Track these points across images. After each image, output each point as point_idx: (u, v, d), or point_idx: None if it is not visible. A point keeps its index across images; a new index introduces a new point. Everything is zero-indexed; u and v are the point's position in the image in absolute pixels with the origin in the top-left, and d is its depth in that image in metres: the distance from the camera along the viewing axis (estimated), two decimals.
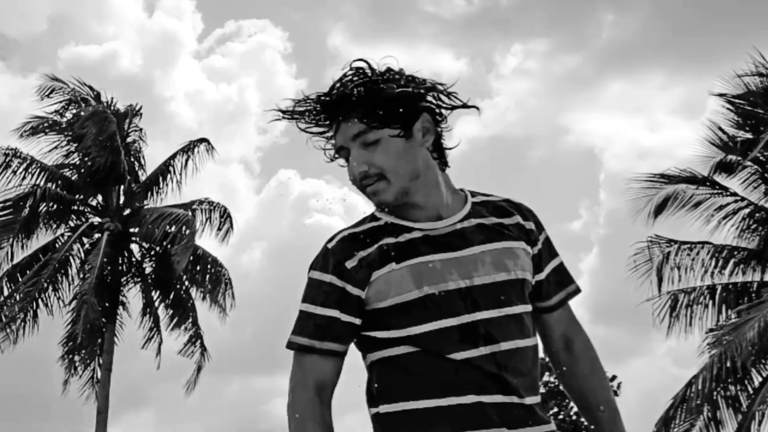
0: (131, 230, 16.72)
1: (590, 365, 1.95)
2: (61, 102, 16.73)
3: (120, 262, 16.59)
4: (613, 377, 21.22)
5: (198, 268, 16.52)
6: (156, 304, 16.70)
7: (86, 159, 16.34)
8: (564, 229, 33.20)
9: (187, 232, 15.52)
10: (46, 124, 16.57)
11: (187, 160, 16.87)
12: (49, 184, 16.21)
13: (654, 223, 12.97)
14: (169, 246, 15.81)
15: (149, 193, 17.02)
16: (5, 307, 15.55)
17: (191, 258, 16.02)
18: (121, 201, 16.98)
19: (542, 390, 12.92)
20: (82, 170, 16.49)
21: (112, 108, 17.01)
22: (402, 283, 1.78)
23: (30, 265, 15.97)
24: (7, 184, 15.93)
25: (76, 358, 15.73)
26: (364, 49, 30.85)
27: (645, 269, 12.70)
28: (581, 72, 33.35)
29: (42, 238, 16.23)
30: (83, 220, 16.63)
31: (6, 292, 15.81)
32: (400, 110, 1.79)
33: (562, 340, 1.97)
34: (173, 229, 15.73)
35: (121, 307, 16.46)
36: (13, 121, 21.94)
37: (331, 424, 1.79)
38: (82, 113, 16.42)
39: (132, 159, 17.09)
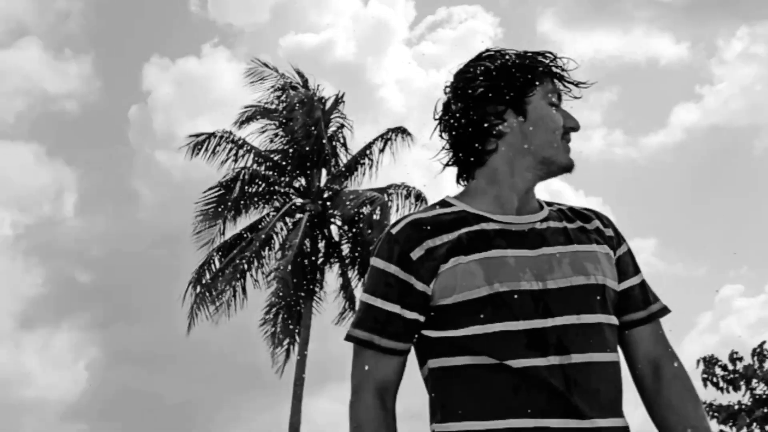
0: (331, 212, 17.40)
1: (682, 393, 1.71)
2: (272, 88, 17.69)
3: (319, 242, 17.32)
4: None
5: None
6: (352, 284, 17.30)
7: (293, 143, 17.19)
8: None
9: (380, 213, 15.93)
10: (259, 111, 17.59)
11: (384, 146, 17.31)
12: (258, 167, 17.22)
13: None
14: (363, 227, 16.32)
15: (349, 177, 17.64)
16: (216, 281, 16.73)
17: None
18: (323, 184, 17.71)
19: None
20: (290, 154, 17.37)
21: (318, 95, 17.76)
22: (470, 277, 1.61)
23: (237, 242, 17.07)
24: (221, 167, 17.11)
25: (277, 331, 16.62)
26: (575, 34, 29.98)
27: None
28: None
29: (250, 216, 17.32)
30: (287, 200, 17.52)
31: (218, 265, 17.03)
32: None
33: (648, 364, 1.74)
34: (368, 210, 16.20)
35: (318, 286, 17.20)
36: (236, 104, 23.56)
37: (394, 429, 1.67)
38: (291, 100, 17.27)
39: (335, 143, 17.77)
